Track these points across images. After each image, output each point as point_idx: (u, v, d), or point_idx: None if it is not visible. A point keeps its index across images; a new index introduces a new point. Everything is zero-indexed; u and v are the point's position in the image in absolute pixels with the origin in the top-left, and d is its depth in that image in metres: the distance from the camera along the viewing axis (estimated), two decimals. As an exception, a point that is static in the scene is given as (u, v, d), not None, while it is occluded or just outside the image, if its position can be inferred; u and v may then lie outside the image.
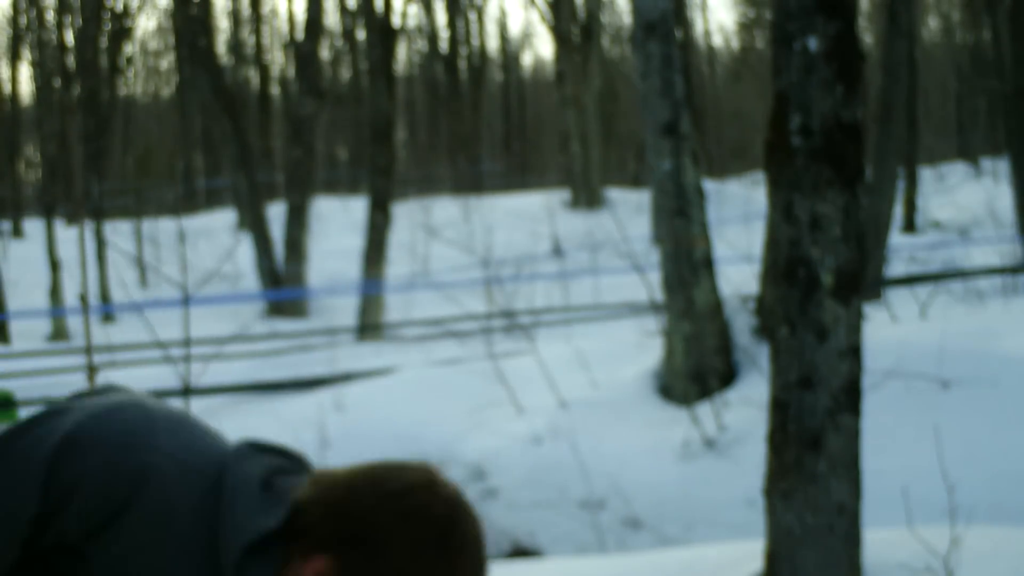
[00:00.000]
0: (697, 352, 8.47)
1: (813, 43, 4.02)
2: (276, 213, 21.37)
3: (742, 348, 8.57)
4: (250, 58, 36.35)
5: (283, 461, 1.58)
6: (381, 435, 8.52)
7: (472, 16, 39.81)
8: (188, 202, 33.20)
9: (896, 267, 15.37)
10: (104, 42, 27.10)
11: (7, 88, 30.97)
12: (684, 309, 8.49)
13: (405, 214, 24.17)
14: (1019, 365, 7.39)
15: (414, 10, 36.79)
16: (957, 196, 26.61)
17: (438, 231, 23.97)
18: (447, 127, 38.09)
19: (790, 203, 4.06)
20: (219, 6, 40.81)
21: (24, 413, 3.86)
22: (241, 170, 20.31)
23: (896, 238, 17.18)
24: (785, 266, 4.08)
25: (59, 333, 18.63)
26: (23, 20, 29.87)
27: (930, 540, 4.26)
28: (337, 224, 25.82)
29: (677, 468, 7.45)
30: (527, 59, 63.14)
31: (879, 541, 4.46)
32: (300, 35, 24.75)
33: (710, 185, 18.61)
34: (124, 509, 1.44)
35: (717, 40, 58.37)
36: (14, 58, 29.67)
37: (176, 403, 5.21)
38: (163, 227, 24.88)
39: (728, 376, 8.50)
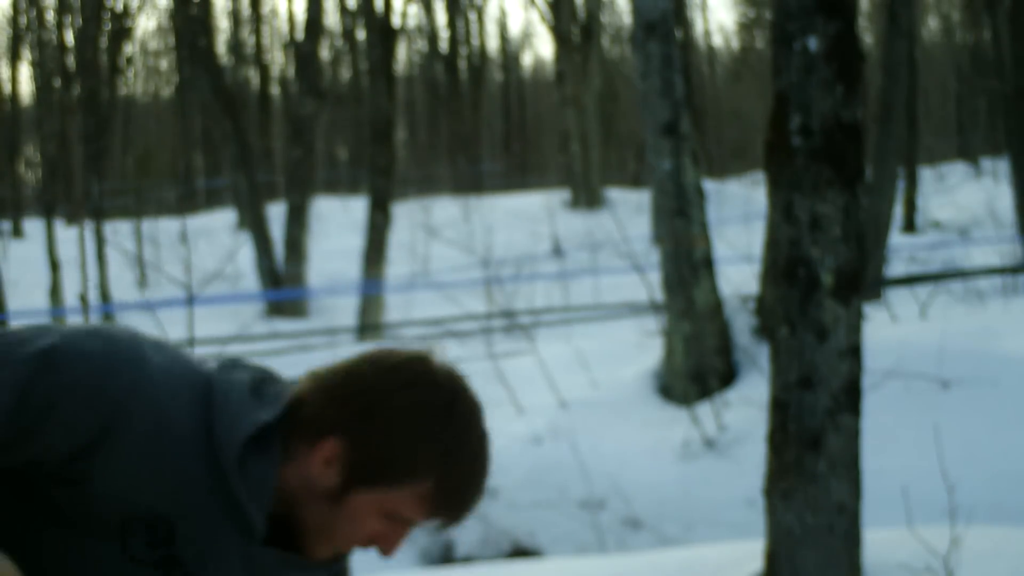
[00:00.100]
0: (697, 352, 8.47)
1: (813, 43, 4.02)
2: (276, 213, 21.36)
3: (742, 348, 8.57)
4: (250, 58, 36.35)
5: (265, 372, 1.58)
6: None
7: (472, 16, 39.83)
8: (188, 202, 33.18)
9: (896, 267, 15.37)
10: (104, 42, 27.09)
11: (7, 88, 30.99)
12: (684, 309, 8.49)
13: (405, 214, 24.17)
14: (1019, 365, 7.39)
15: (414, 10, 36.81)
16: (957, 196, 26.60)
17: (438, 231, 23.96)
18: (447, 127, 38.09)
19: (790, 203, 4.06)
20: (219, 6, 40.82)
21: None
22: (241, 170, 20.29)
23: (896, 238, 17.18)
24: (785, 266, 4.08)
25: (59, 333, 18.59)
26: (23, 20, 29.89)
27: (930, 540, 4.26)
28: (337, 224, 25.81)
29: (677, 468, 7.45)
30: (527, 59, 63.16)
31: (879, 541, 4.46)
32: (300, 35, 24.76)
33: (710, 185, 18.60)
34: (116, 422, 1.43)
35: (717, 40, 58.39)
36: (14, 58, 29.69)
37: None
38: (163, 227, 24.87)
39: (728, 376, 8.50)
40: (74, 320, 18.59)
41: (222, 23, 37.43)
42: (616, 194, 28.39)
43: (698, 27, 43.17)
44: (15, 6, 29.51)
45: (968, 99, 36.13)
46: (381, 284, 17.23)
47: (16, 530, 1.47)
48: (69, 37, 26.52)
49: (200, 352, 1.62)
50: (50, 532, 1.46)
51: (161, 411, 1.46)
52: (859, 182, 4.09)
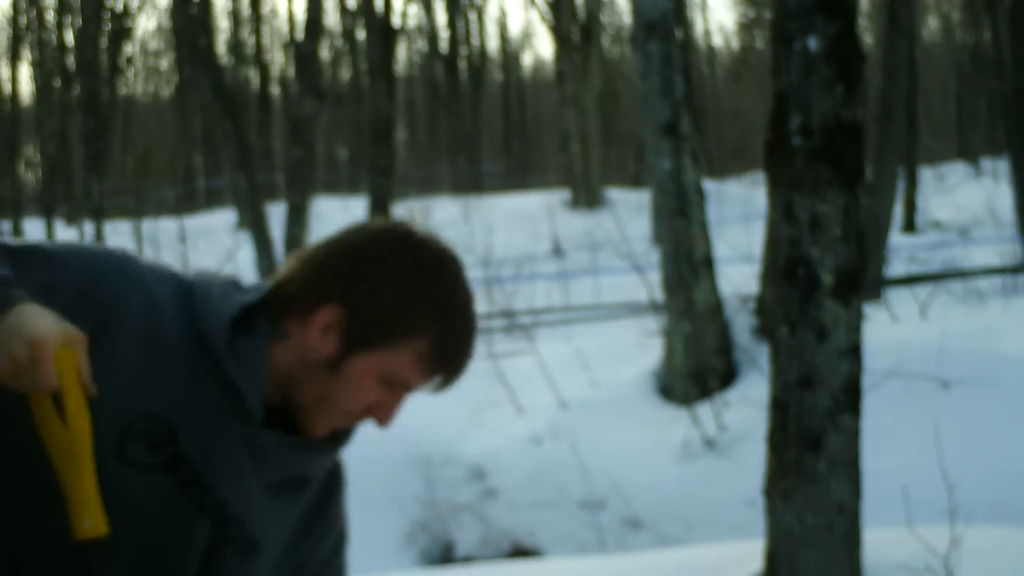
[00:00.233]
0: (697, 352, 8.47)
1: (813, 43, 4.02)
2: (276, 213, 21.36)
3: (742, 348, 8.57)
4: (250, 58, 36.36)
5: (238, 279, 1.61)
6: (381, 435, 8.50)
7: (472, 16, 39.83)
8: (188, 202, 33.18)
9: (896, 267, 15.36)
10: (104, 42, 27.10)
11: (7, 88, 30.98)
12: (684, 309, 8.49)
13: (405, 214, 24.10)
14: (1019, 365, 7.39)
15: (414, 10, 36.82)
16: (957, 196, 26.58)
17: (438, 231, 23.91)
18: (447, 127, 38.09)
19: (790, 203, 4.06)
20: (219, 6, 40.81)
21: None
22: (241, 170, 20.29)
23: (896, 238, 17.16)
24: (785, 266, 4.08)
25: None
26: (23, 20, 29.89)
27: (930, 540, 4.26)
28: (337, 224, 25.47)
29: (677, 468, 7.45)
30: (527, 59, 63.15)
31: (879, 541, 4.46)
32: (300, 35, 24.75)
33: (710, 185, 18.59)
34: (111, 316, 1.45)
35: (717, 40, 58.40)
36: (14, 58, 29.68)
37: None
38: (163, 227, 24.87)
39: (728, 376, 8.50)
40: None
41: (222, 23, 37.44)
42: (616, 194, 28.38)
43: (698, 27, 43.19)
44: (15, 6, 29.51)
45: (968, 99, 36.12)
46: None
47: (7, 452, 1.46)
48: (69, 37, 26.52)
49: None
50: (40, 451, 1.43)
51: (153, 305, 1.49)
52: (859, 182, 4.09)
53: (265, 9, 44.73)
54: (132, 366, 1.46)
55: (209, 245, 22.51)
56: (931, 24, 42.69)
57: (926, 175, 28.42)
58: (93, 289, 1.46)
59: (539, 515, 7.52)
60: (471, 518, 7.69)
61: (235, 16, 36.51)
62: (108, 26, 26.85)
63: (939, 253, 17.14)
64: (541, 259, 21.53)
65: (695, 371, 8.44)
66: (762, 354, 7.99)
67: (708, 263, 8.58)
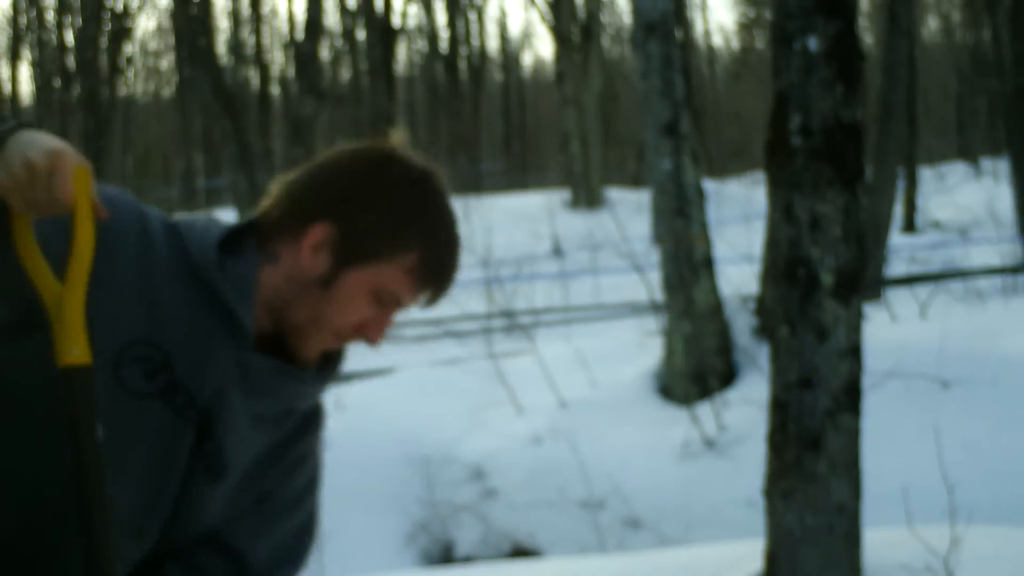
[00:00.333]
0: (697, 352, 8.47)
1: (813, 43, 4.02)
2: (276, 213, 21.34)
3: (742, 348, 8.57)
4: (250, 58, 36.35)
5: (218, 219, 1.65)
6: (381, 435, 8.51)
7: (472, 16, 39.82)
8: (188, 202, 33.19)
9: (896, 267, 15.36)
10: (104, 42, 27.10)
11: (7, 88, 30.98)
12: (684, 309, 8.49)
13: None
14: (1019, 365, 7.39)
15: (414, 10, 36.81)
16: (957, 196, 26.58)
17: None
18: (447, 127, 38.08)
19: (790, 203, 4.06)
20: (219, 6, 40.81)
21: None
22: (241, 170, 20.32)
23: (896, 238, 17.16)
24: (785, 266, 4.08)
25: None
26: (23, 20, 29.88)
27: (930, 540, 4.26)
28: (337, 224, 25.78)
29: (677, 468, 7.45)
30: (527, 59, 63.18)
31: (879, 541, 4.45)
32: (300, 35, 24.75)
33: (710, 185, 18.58)
34: (107, 236, 1.46)
35: (717, 40, 58.41)
36: (14, 58, 29.68)
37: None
38: (163, 227, 24.84)
39: (728, 376, 8.50)
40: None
41: (222, 23, 37.43)
42: (616, 194, 28.38)
43: (698, 27, 43.20)
44: (15, 6, 29.52)
45: (968, 99, 36.12)
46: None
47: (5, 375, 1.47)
48: (69, 37, 26.52)
49: None
50: (38, 375, 1.45)
51: (146, 234, 1.51)
52: (859, 182, 4.09)
53: (265, 9, 44.73)
54: (128, 291, 1.48)
55: (209, 245, 22.48)
56: (931, 24, 42.68)
57: (926, 175, 28.41)
58: (109, 210, 1.47)
59: (539, 515, 7.52)
60: (471, 518, 7.69)
61: (235, 16, 36.50)
62: (108, 26, 26.84)
63: (939, 253, 17.14)
64: (541, 259, 21.53)
65: (695, 371, 8.44)
66: (762, 354, 7.99)
67: (708, 263, 8.58)
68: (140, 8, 30.14)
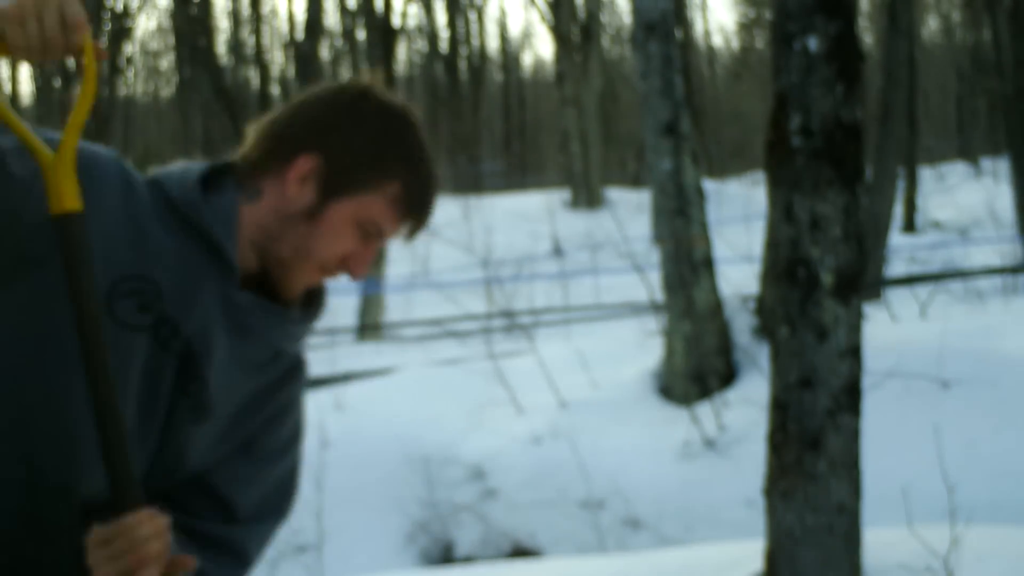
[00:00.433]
0: (697, 352, 8.46)
1: (813, 43, 4.02)
2: (276, 213, 21.33)
3: (742, 348, 8.57)
4: (250, 58, 36.34)
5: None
6: (381, 435, 8.51)
7: (472, 16, 39.83)
8: (188, 202, 33.10)
9: (896, 267, 15.36)
10: (104, 42, 27.09)
11: (7, 88, 30.98)
12: (684, 309, 8.49)
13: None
14: (1019, 365, 7.39)
15: (414, 10, 36.80)
16: (957, 196, 26.59)
17: (438, 231, 23.96)
18: (447, 127, 38.09)
19: (790, 203, 4.06)
20: (219, 6, 40.83)
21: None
22: (241, 170, 20.30)
23: (896, 238, 17.16)
24: (785, 266, 4.08)
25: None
26: (23, 20, 29.84)
27: (930, 540, 4.26)
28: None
29: (677, 468, 7.45)
30: (527, 59, 63.16)
31: (879, 541, 4.46)
32: (300, 35, 24.75)
33: (710, 185, 18.59)
34: (93, 179, 1.49)
35: (717, 40, 58.42)
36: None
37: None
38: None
39: (728, 376, 8.50)
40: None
41: (222, 23, 37.42)
42: (616, 194, 28.38)
43: (698, 27, 43.20)
44: (15, 6, 29.46)
45: (968, 99, 36.12)
46: (381, 284, 17.23)
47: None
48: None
49: None
50: (36, 310, 1.47)
51: (128, 181, 1.54)
52: (859, 182, 4.09)
53: (265, 9, 44.75)
54: (116, 228, 1.50)
55: (209, 245, 22.47)
56: (931, 24, 42.67)
57: (926, 175, 28.42)
58: (85, 157, 1.51)
59: (539, 515, 7.52)
60: (471, 518, 7.69)
61: (235, 16, 36.51)
62: (108, 26, 26.85)
63: (939, 253, 17.13)
64: (541, 259, 21.53)
65: (695, 371, 8.44)
66: (762, 354, 7.99)
67: (708, 263, 8.58)
68: (140, 8, 30.15)
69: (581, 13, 27.44)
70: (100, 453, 1.44)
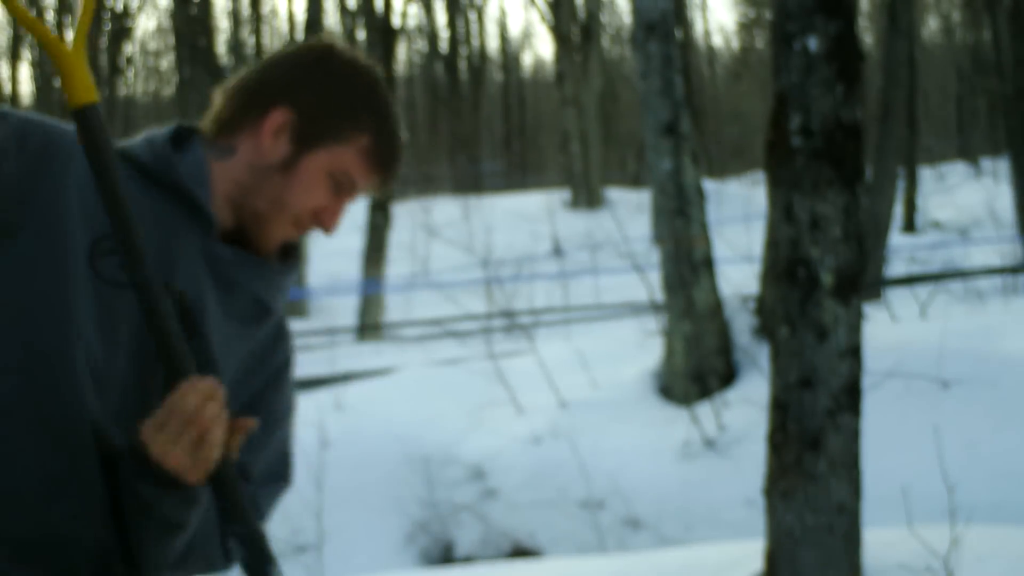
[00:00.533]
0: (697, 352, 8.46)
1: (813, 43, 4.02)
2: (276, 213, 21.32)
3: (742, 348, 8.57)
4: (250, 58, 36.32)
5: None
6: (381, 435, 8.51)
7: (472, 16, 39.83)
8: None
9: (896, 267, 15.36)
10: (104, 42, 27.09)
11: (7, 88, 30.98)
12: (684, 309, 8.49)
13: (405, 214, 24.17)
14: (1019, 365, 7.39)
15: (414, 10, 36.81)
16: (957, 196, 26.60)
17: (438, 231, 23.96)
18: (447, 127, 38.09)
19: (790, 203, 4.06)
20: (219, 6, 40.87)
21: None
22: (241, 170, 20.28)
23: (896, 238, 17.17)
24: (785, 266, 4.08)
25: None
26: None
27: (930, 540, 4.26)
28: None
29: (677, 468, 7.45)
30: (527, 59, 63.16)
31: (879, 541, 4.46)
32: (300, 35, 24.75)
33: (710, 185, 18.60)
34: (66, 146, 1.52)
35: (717, 40, 58.43)
36: (14, 58, 29.68)
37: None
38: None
39: (728, 376, 8.50)
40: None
41: (222, 23, 37.46)
42: (616, 194, 28.39)
43: (698, 27, 43.20)
44: (15, 6, 29.45)
45: (968, 99, 36.14)
46: (381, 284, 17.23)
47: None
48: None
49: None
50: (21, 271, 1.48)
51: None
52: (859, 182, 4.09)
53: (265, 9, 44.75)
54: (89, 193, 1.51)
55: (209, 245, 22.46)
56: (931, 24, 42.68)
57: (926, 175, 28.42)
58: (50, 126, 1.54)
59: (539, 515, 7.52)
60: (471, 518, 7.69)
61: (235, 16, 36.50)
62: (108, 26, 26.85)
63: (939, 253, 17.14)
64: (541, 259, 21.54)
65: (695, 371, 8.44)
66: (762, 354, 7.99)
67: (708, 263, 8.58)
68: (140, 8, 30.16)
69: (581, 13, 27.44)
70: (101, 415, 1.46)
